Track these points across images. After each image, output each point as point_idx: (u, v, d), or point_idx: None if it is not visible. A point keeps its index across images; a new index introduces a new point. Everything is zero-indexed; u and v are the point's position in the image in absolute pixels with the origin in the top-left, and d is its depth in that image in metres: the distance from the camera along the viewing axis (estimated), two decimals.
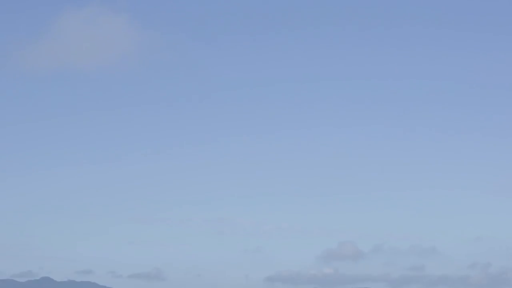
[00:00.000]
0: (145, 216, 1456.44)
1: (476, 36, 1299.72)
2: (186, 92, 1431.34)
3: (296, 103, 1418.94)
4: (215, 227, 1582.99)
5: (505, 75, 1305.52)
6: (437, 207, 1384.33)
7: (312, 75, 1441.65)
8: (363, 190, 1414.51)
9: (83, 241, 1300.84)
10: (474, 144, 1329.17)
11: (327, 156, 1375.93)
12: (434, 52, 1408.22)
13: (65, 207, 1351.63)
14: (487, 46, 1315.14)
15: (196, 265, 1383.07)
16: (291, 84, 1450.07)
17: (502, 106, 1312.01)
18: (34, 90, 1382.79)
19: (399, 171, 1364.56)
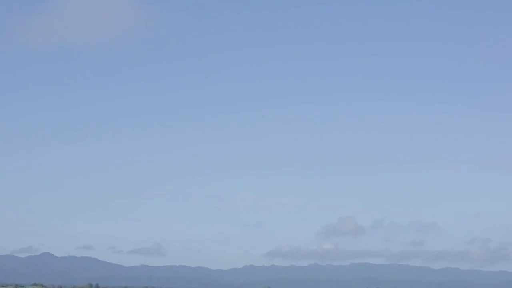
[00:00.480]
0: (145, 191, 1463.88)
1: (476, 15, 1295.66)
2: (185, 68, 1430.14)
3: (296, 79, 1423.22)
4: (215, 202, 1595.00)
5: (505, 51, 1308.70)
6: (437, 182, 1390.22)
7: (314, 52, 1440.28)
8: (363, 166, 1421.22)
9: (83, 217, 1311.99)
10: (475, 120, 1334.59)
11: (327, 132, 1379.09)
12: (429, 28, 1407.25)
13: (66, 184, 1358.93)
14: (485, 23, 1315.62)
15: (196, 240, 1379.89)
16: (292, 61, 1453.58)
17: (502, 82, 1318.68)
18: (34, 65, 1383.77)
19: (399, 146, 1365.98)
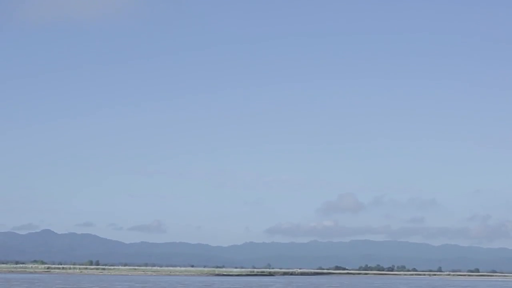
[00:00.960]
0: (145, 168, 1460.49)
1: None
2: (186, 45, 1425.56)
3: (296, 55, 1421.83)
4: (215, 179, 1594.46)
5: (507, 27, 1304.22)
6: (437, 159, 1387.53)
7: (314, 29, 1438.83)
8: (363, 142, 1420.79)
9: (84, 194, 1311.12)
10: (475, 96, 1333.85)
11: (327, 108, 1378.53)
12: (427, 4, 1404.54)
13: (66, 160, 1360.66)
14: (491, 1, 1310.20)
15: (196, 217, 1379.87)
16: (292, 38, 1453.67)
17: (503, 59, 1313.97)
18: (35, 41, 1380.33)
19: (399, 123, 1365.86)
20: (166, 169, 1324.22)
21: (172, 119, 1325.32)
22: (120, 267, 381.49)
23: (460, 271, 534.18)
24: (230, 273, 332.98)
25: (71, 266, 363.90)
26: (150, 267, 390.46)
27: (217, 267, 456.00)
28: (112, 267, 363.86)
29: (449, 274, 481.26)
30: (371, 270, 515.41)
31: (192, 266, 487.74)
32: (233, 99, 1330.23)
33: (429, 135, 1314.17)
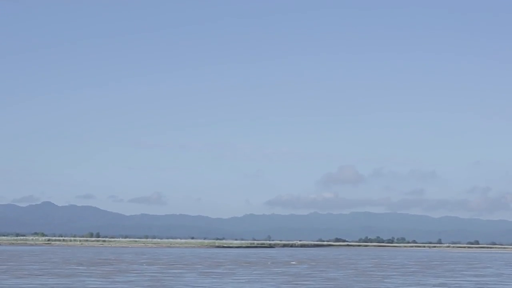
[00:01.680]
0: (145, 141, 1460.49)
1: None
2: (187, 18, 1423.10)
3: (296, 29, 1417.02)
4: (215, 151, 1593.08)
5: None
6: (437, 131, 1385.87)
7: (315, 3, 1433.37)
8: (363, 114, 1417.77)
9: (84, 166, 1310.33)
10: (475, 67, 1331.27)
11: (327, 80, 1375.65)
12: None
13: (66, 132, 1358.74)
14: None
15: (196, 189, 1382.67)
16: (292, 10, 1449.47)
17: (504, 30, 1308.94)
18: (33, 15, 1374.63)
19: (399, 95, 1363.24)
20: (166, 141, 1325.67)
21: (171, 91, 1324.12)
22: (120, 239, 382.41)
23: (459, 243, 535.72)
24: (230, 245, 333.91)
25: (72, 238, 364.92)
26: (150, 239, 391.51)
27: (217, 239, 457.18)
28: (112, 239, 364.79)
29: (448, 246, 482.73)
30: (371, 242, 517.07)
31: (193, 238, 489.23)
32: (233, 71, 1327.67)
33: (429, 107, 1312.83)
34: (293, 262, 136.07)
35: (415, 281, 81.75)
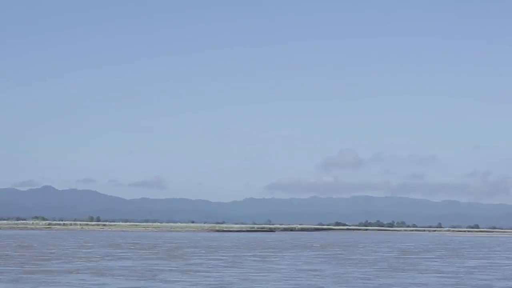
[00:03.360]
0: (145, 125, 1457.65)
1: None
2: (184, 2, 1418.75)
3: (296, 12, 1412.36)
4: (215, 135, 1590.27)
5: None
6: (437, 115, 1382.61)
7: None
8: (363, 98, 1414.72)
9: (84, 150, 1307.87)
10: (475, 51, 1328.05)
11: (327, 64, 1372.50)
12: None
13: (66, 117, 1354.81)
14: None
15: (197, 174, 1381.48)
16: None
17: (503, 14, 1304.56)
18: (34, 3, 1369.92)
19: (399, 79, 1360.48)
20: (166, 125, 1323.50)
21: (171, 75, 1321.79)
22: (121, 223, 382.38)
23: (460, 227, 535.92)
24: (231, 229, 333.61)
25: (72, 222, 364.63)
26: (151, 223, 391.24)
27: (218, 223, 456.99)
28: (113, 223, 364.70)
29: (448, 230, 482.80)
30: (371, 226, 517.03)
31: (193, 222, 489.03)
32: (233, 55, 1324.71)
33: (429, 90, 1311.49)
34: (317, 245, 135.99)
35: (480, 261, 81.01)
